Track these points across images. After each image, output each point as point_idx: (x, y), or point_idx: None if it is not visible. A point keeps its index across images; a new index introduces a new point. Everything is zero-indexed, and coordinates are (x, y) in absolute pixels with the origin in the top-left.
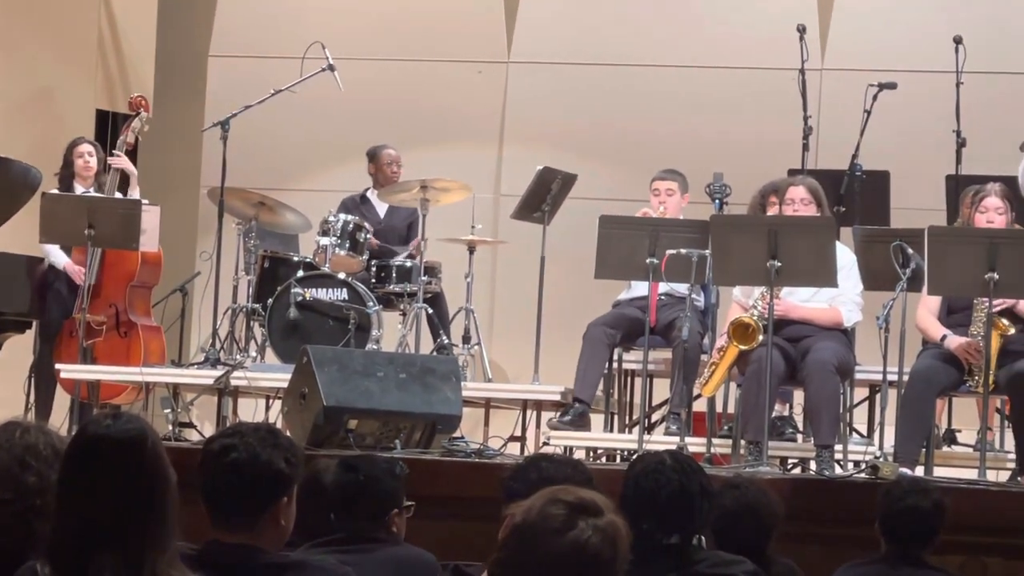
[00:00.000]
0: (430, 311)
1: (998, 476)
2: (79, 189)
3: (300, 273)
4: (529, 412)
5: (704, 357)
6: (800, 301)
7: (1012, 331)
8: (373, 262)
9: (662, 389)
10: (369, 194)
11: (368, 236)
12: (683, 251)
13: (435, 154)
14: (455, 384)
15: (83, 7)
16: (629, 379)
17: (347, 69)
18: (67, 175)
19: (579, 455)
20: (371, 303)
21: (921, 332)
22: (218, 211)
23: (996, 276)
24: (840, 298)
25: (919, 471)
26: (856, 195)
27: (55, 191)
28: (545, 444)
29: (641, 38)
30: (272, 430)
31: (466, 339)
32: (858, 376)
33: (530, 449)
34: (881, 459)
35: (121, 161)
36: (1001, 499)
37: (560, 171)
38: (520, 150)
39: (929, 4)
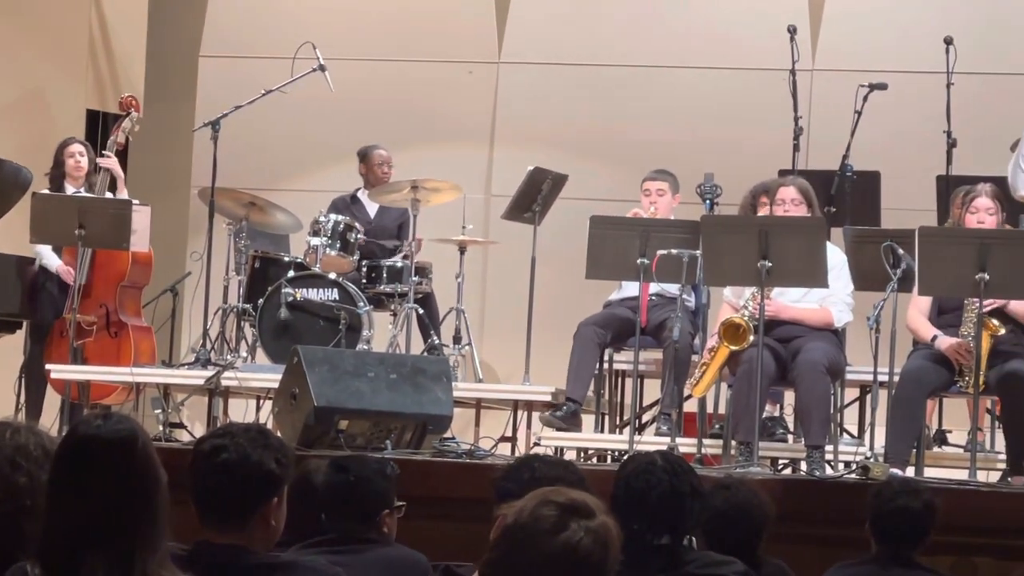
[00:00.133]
0: (421, 311)
1: (988, 477)
2: (70, 189)
3: (291, 273)
4: (520, 412)
5: (695, 357)
6: (791, 301)
7: (1002, 331)
8: (364, 262)
9: (653, 389)
10: (360, 194)
11: (359, 236)
12: (674, 251)
13: (426, 154)
14: (446, 384)
15: (74, 7)
16: (620, 379)
17: (338, 69)
18: (58, 175)
19: (570, 455)
20: (362, 303)
21: (912, 332)
22: (209, 211)
23: (986, 276)
24: (831, 298)
25: (910, 472)
26: (847, 195)
27: (46, 191)
28: (536, 444)
29: (632, 39)
30: (262, 430)
31: (457, 339)
32: (849, 377)
33: (521, 450)
34: (872, 460)
35: (109, 162)
36: (991, 500)
37: (551, 171)
38: (511, 150)
39: (919, 5)
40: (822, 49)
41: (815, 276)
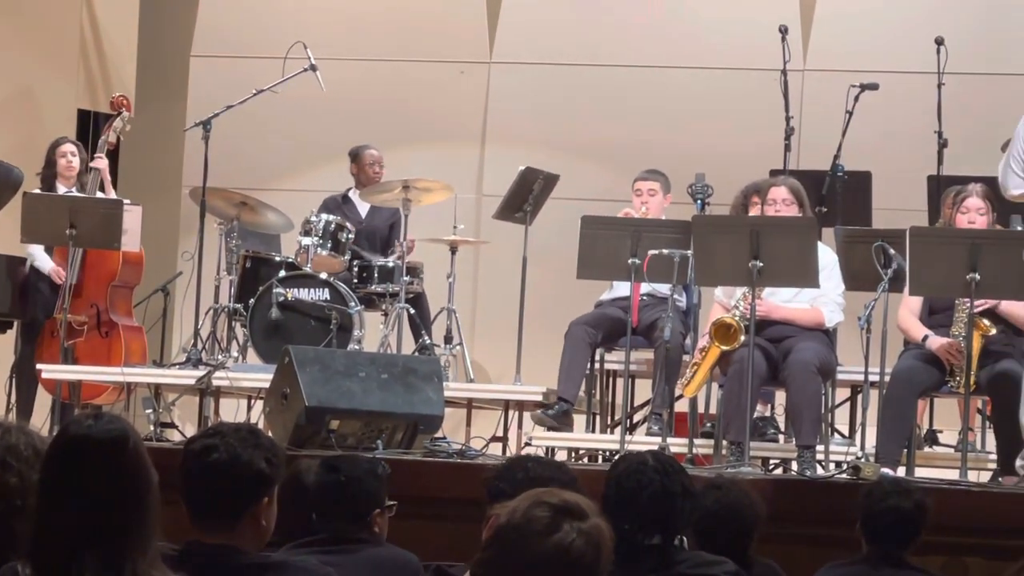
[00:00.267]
0: (412, 311)
1: (979, 477)
2: (61, 189)
3: (282, 273)
4: (511, 412)
5: (686, 357)
6: (782, 301)
7: (993, 331)
8: (355, 262)
9: (644, 389)
10: (351, 194)
11: (350, 236)
12: (665, 251)
13: (417, 154)
14: (437, 384)
15: (65, 7)
16: (611, 379)
17: (329, 69)
18: (49, 175)
19: (561, 455)
20: (353, 303)
21: (903, 332)
22: (200, 211)
23: (977, 277)
24: (822, 299)
25: (901, 471)
26: (838, 195)
27: (37, 191)
28: (527, 444)
29: (623, 39)
30: (253, 430)
31: (448, 339)
32: (840, 376)
33: (512, 450)
34: (863, 459)
35: (99, 163)
36: (982, 500)
37: (542, 171)
38: (502, 150)
39: (911, 5)
40: (813, 49)
41: (806, 276)
